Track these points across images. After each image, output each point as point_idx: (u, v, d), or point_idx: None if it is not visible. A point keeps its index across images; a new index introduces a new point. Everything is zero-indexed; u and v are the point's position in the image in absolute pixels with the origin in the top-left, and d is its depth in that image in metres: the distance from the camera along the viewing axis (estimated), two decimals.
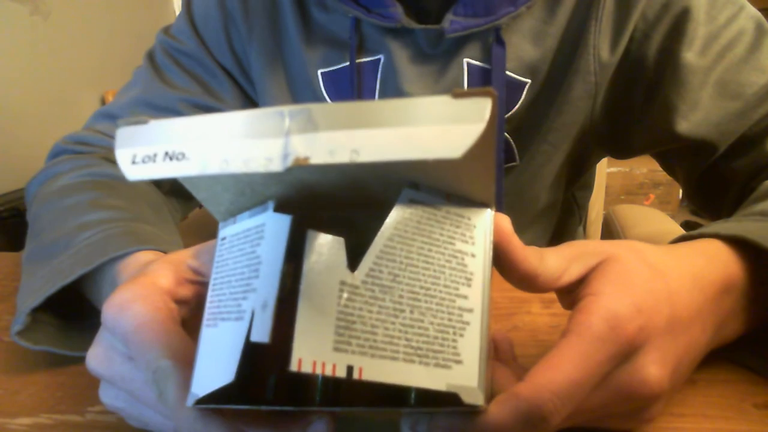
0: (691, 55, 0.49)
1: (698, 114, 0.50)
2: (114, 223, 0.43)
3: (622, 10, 0.50)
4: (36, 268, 0.42)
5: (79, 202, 0.47)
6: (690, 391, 0.33)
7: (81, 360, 0.39)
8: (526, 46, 0.52)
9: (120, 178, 0.54)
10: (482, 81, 0.53)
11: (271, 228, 0.23)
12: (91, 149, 0.58)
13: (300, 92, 0.59)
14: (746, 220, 0.37)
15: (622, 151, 0.60)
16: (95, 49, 1.89)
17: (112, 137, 0.59)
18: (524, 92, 0.54)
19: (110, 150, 0.58)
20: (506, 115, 0.54)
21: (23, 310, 0.38)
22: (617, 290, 0.26)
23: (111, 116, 0.61)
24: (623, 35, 0.51)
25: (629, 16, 0.50)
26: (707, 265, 0.31)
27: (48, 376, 0.38)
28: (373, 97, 0.56)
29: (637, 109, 0.54)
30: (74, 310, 0.42)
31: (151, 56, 0.62)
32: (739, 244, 0.33)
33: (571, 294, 0.29)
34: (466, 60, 0.53)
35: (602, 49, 0.51)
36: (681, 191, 1.56)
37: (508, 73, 0.52)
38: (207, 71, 0.60)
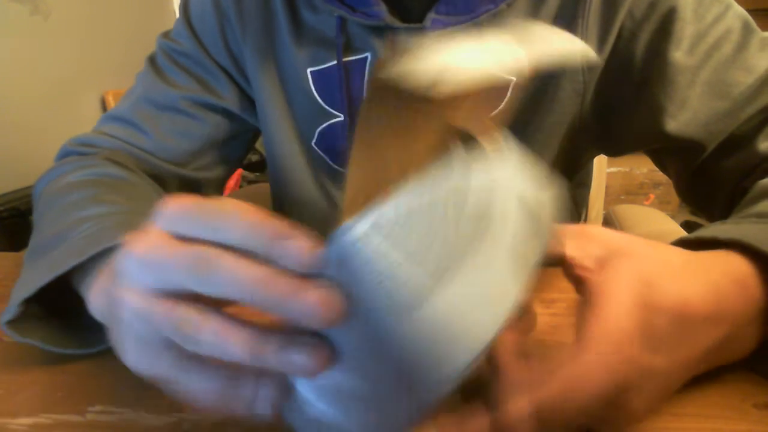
0: (679, 55, 0.49)
1: (686, 114, 0.50)
2: (111, 217, 0.43)
3: (609, 8, 0.50)
4: (34, 262, 0.42)
5: (80, 199, 0.47)
6: (690, 391, 0.33)
7: (81, 360, 0.39)
8: None
9: (121, 178, 0.54)
10: None
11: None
12: (96, 150, 0.59)
13: (292, 90, 0.60)
14: (744, 222, 0.37)
15: (613, 149, 0.60)
16: (95, 49, 1.89)
17: (117, 138, 0.60)
18: (509, 91, 0.54)
19: (113, 151, 0.59)
20: (491, 114, 0.55)
21: (14, 301, 0.37)
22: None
23: (117, 119, 0.62)
24: (610, 34, 0.51)
25: (616, 14, 0.50)
26: (728, 285, 0.31)
27: (48, 376, 0.38)
28: (360, 95, 0.57)
29: (625, 107, 0.54)
30: (69, 307, 0.42)
31: (152, 59, 0.64)
32: (738, 247, 0.33)
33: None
34: None
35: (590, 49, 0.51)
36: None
37: None
38: (205, 70, 0.62)
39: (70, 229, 0.42)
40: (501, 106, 0.54)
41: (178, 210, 0.24)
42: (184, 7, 0.63)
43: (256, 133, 0.68)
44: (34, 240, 0.46)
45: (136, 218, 0.44)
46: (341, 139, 0.59)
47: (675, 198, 2.41)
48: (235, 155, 0.68)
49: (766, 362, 0.34)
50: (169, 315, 0.23)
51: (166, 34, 0.64)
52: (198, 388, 0.24)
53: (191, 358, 0.24)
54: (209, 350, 0.23)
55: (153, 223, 0.25)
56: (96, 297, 0.34)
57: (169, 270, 0.23)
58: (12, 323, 0.37)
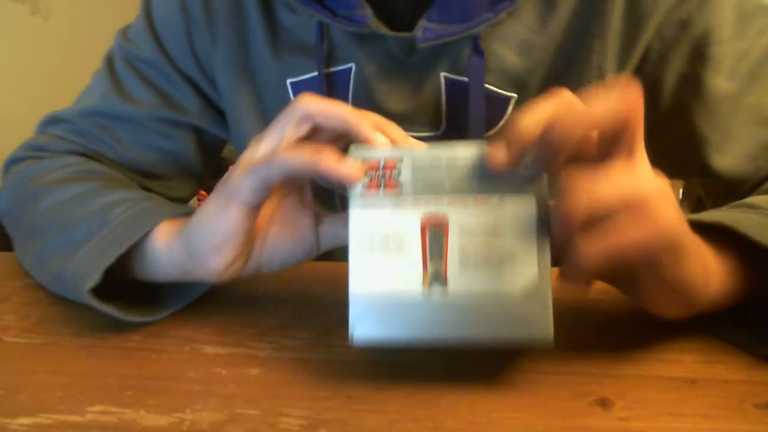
0: (719, 81, 0.45)
1: (733, 145, 0.47)
2: (142, 201, 0.44)
3: (632, 27, 0.45)
4: (71, 251, 0.42)
5: (89, 189, 0.47)
6: (690, 391, 0.33)
7: (81, 360, 0.39)
8: (510, 57, 0.47)
9: (107, 173, 0.53)
10: (461, 96, 0.48)
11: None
12: (50, 154, 0.56)
13: (270, 104, 0.54)
14: (733, 211, 0.38)
15: None
16: (95, 49, 1.88)
17: (70, 141, 0.56)
18: (510, 108, 0.49)
19: (70, 153, 0.56)
20: (489, 133, 0.49)
21: (93, 270, 0.39)
22: None
23: (66, 122, 0.57)
24: (632, 55, 0.46)
25: (640, 34, 0.45)
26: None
27: (48, 376, 0.38)
28: None
29: (655, 133, 0.49)
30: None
31: (110, 61, 0.58)
32: (720, 232, 0.35)
33: None
34: (443, 74, 0.48)
35: (607, 71, 0.47)
36: (681, 191, 1.56)
37: (489, 87, 0.48)
38: (168, 80, 0.56)
39: (102, 214, 0.43)
40: (499, 125, 0.50)
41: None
42: (147, 8, 0.56)
43: (223, 143, 0.63)
44: (49, 237, 0.45)
45: (161, 199, 0.46)
46: None
47: (675, 198, 2.41)
48: (201, 171, 0.62)
49: (746, 337, 0.36)
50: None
51: (125, 33, 0.57)
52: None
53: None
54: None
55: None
56: (163, 235, 0.40)
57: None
58: (94, 290, 0.39)
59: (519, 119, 0.31)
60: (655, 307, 0.34)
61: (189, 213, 0.41)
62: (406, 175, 0.33)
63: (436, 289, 0.32)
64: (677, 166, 0.51)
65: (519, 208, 0.31)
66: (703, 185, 0.54)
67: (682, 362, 0.36)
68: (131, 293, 0.43)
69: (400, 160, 0.33)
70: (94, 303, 0.39)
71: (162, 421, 0.33)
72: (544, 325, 0.30)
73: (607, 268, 0.32)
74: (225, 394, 0.35)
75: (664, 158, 0.50)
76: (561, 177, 0.29)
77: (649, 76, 0.47)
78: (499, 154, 0.31)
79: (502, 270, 0.31)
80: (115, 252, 0.39)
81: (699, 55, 0.45)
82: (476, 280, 0.31)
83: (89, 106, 0.57)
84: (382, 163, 0.33)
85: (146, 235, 0.41)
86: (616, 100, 0.29)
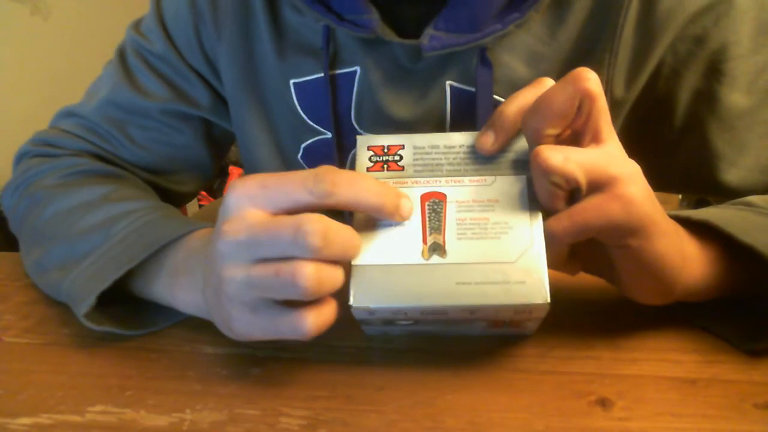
0: (736, 97, 0.45)
1: (745, 158, 0.46)
2: (147, 212, 0.44)
3: (644, 41, 0.44)
4: (74, 263, 0.42)
5: (97, 197, 0.47)
6: (690, 391, 0.33)
7: (81, 360, 0.39)
8: (518, 67, 0.46)
9: (115, 173, 0.54)
10: (467, 106, 0.47)
11: None
12: (58, 151, 0.56)
13: (273, 101, 0.54)
14: (730, 208, 0.38)
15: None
16: (95, 49, 1.88)
17: (83, 139, 0.56)
18: None
19: (78, 152, 0.56)
20: None
21: (89, 294, 0.39)
22: None
23: (78, 116, 0.57)
24: (643, 69, 0.45)
25: (652, 48, 0.44)
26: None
27: (48, 376, 0.38)
28: (348, 113, 0.50)
29: (668, 149, 0.49)
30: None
31: (122, 54, 0.58)
32: (709, 228, 0.35)
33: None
34: (449, 83, 0.47)
35: (617, 85, 0.46)
36: None
37: (496, 97, 0.47)
38: (179, 75, 0.56)
39: (106, 226, 0.43)
40: None
41: (255, 188, 0.31)
42: (157, 2, 0.56)
43: (232, 137, 0.62)
44: (52, 245, 0.45)
45: (165, 211, 0.46)
46: (330, 159, 0.52)
47: (675, 197, 2.40)
48: (210, 164, 0.62)
49: (729, 329, 0.37)
50: (267, 272, 0.30)
51: (136, 27, 0.57)
52: (292, 332, 0.31)
53: (286, 307, 0.31)
54: (303, 291, 0.30)
55: (233, 203, 0.31)
56: (186, 293, 0.39)
57: (266, 242, 0.30)
58: (88, 314, 0.39)
59: (503, 107, 0.34)
60: (633, 291, 0.35)
61: (190, 230, 0.41)
62: (407, 158, 0.36)
63: (436, 259, 0.33)
64: (688, 182, 0.51)
65: (512, 187, 0.34)
66: (715, 200, 0.53)
67: (682, 362, 0.36)
68: (132, 301, 0.43)
69: (402, 146, 0.36)
70: (90, 325, 0.39)
71: (162, 421, 0.33)
72: (539, 290, 0.31)
73: (584, 252, 0.34)
74: (225, 394, 0.35)
75: (675, 174, 0.50)
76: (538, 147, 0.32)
77: (661, 91, 0.46)
78: (487, 139, 0.34)
79: (497, 242, 0.33)
80: (111, 276, 0.39)
81: (715, 71, 0.44)
82: (473, 250, 0.33)
83: (103, 98, 0.57)
84: (385, 149, 0.36)
85: (145, 260, 0.40)
86: (569, 85, 0.31)
